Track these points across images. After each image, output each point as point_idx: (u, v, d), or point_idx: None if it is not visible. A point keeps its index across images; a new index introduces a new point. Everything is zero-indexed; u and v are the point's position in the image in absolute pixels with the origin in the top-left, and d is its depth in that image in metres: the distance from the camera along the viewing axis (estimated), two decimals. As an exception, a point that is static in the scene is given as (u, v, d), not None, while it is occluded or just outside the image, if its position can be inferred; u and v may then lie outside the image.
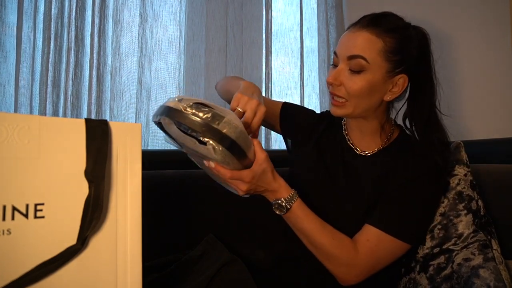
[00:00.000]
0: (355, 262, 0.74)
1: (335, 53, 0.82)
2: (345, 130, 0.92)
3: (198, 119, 0.61)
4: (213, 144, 0.61)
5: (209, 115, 0.61)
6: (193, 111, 0.62)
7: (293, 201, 0.74)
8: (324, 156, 0.91)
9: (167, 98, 0.67)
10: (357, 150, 0.88)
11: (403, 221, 0.76)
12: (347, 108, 0.81)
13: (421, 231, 0.84)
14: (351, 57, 0.77)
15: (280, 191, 0.74)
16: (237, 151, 0.63)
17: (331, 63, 0.84)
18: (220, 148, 0.61)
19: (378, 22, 0.78)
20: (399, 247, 0.76)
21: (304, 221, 0.75)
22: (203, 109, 0.62)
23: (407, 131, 0.88)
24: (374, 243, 0.74)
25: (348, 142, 0.90)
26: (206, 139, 0.61)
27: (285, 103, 1.05)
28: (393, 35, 0.77)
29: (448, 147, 0.83)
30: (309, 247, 0.78)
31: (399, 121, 0.89)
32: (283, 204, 0.74)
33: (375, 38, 0.77)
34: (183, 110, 0.62)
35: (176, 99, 0.64)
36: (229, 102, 0.81)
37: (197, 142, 0.63)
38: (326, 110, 1.03)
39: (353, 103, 0.80)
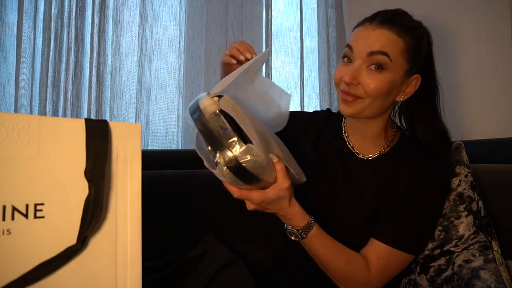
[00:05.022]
0: (369, 281, 0.74)
1: (349, 46, 0.77)
2: (345, 132, 0.89)
3: (218, 137, 0.54)
4: (224, 167, 0.56)
5: (230, 134, 0.54)
6: (215, 123, 0.54)
7: (309, 230, 0.71)
8: (322, 160, 0.88)
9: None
10: (357, 154, 0.86)
11: (411, 235, 0.76)
12: (359, 106, 0.76)
13: (427, 239, 0.84)
14: (372, 53, 0.73)
15: (296, 219, 0.70)
16: (248, 178, 0.58)
17: (343, 56, 0.79)
18: (229, 173, 0.57)
19: (395, 21, 0.76)
20: (408, 259, 0.77)
21: (320, 248, 0.73)
22: (226, 125, 0.54)
23: (407, 133, 0.87)
24: (384, 261, 0.74)
25: (349, 146, 0.87)
26: (218, 161, 0.56)
27: None
28: (411, 34, 0.76)
29: (450, 145, 0.82)
30: (322, 268, 0.76)
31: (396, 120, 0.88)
32: (298, 233, 0.72)
33: (396, 37, 0.74)
34: (206, 117, 0.55)
35: (211, 97, 0.56)
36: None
37: (207, 159, 0.58)
38: (321, 110, 1.01)
39: (367, 102, 0.75)
